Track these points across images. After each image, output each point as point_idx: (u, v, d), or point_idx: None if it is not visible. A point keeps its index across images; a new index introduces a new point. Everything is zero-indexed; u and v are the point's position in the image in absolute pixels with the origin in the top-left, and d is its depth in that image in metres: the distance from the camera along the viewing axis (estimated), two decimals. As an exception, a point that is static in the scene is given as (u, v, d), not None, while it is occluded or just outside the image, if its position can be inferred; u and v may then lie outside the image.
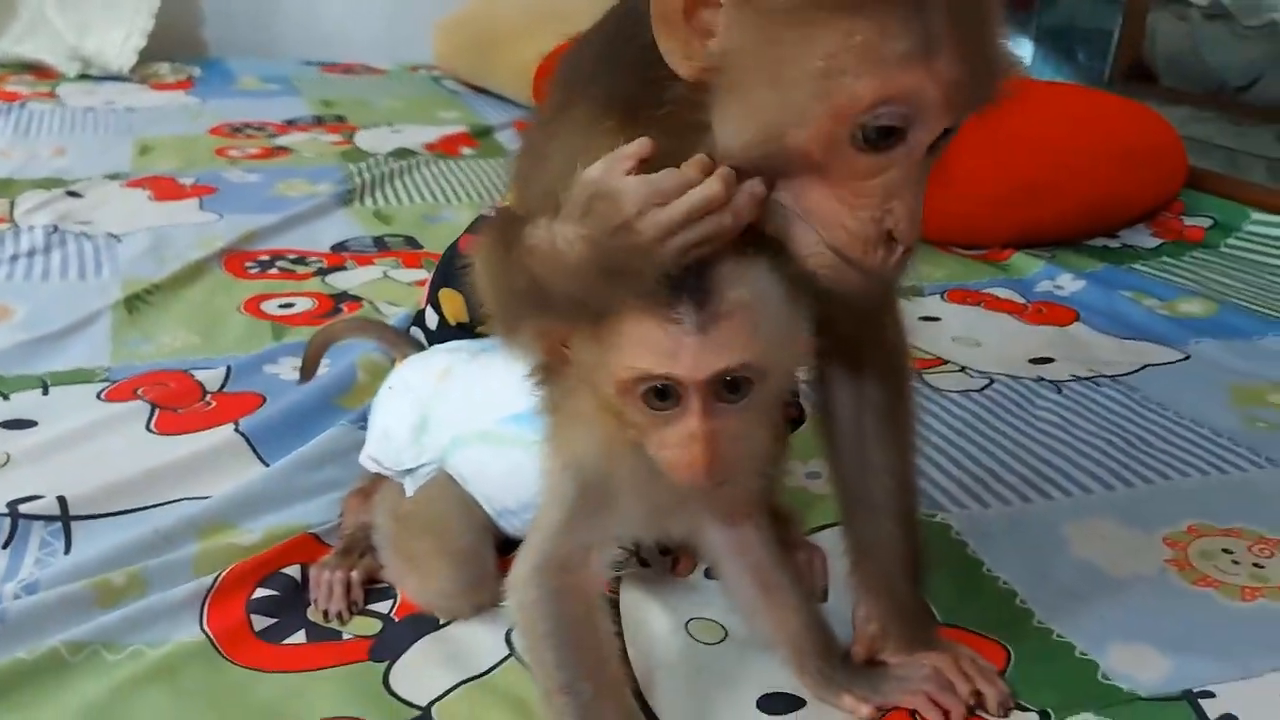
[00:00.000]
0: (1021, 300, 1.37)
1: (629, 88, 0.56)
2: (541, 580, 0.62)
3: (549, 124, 0.60)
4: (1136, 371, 1.16)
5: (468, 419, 0.76)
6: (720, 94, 0.52)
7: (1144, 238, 1.61)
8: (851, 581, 0.72)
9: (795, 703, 0.68)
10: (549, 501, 0.64)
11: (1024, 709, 0.67)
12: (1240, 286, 1.42)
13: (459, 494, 0.75)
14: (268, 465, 0.93)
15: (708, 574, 0.80)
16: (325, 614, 0.75)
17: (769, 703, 0.68)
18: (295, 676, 0.70)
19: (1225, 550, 0.84)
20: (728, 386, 0.55)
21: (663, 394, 0.55)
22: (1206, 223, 1.61)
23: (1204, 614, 0.77)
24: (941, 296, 1.38)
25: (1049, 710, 0.67)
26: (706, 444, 0.55)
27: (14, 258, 1.42)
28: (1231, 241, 1.57)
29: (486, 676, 0.70)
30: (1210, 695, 0.68)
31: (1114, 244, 1.59)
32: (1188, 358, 1.20)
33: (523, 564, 0.63)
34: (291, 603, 0.77)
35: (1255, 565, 0.82)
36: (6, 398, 1.04)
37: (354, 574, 0.77)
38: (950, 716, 0.66)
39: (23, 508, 0.84)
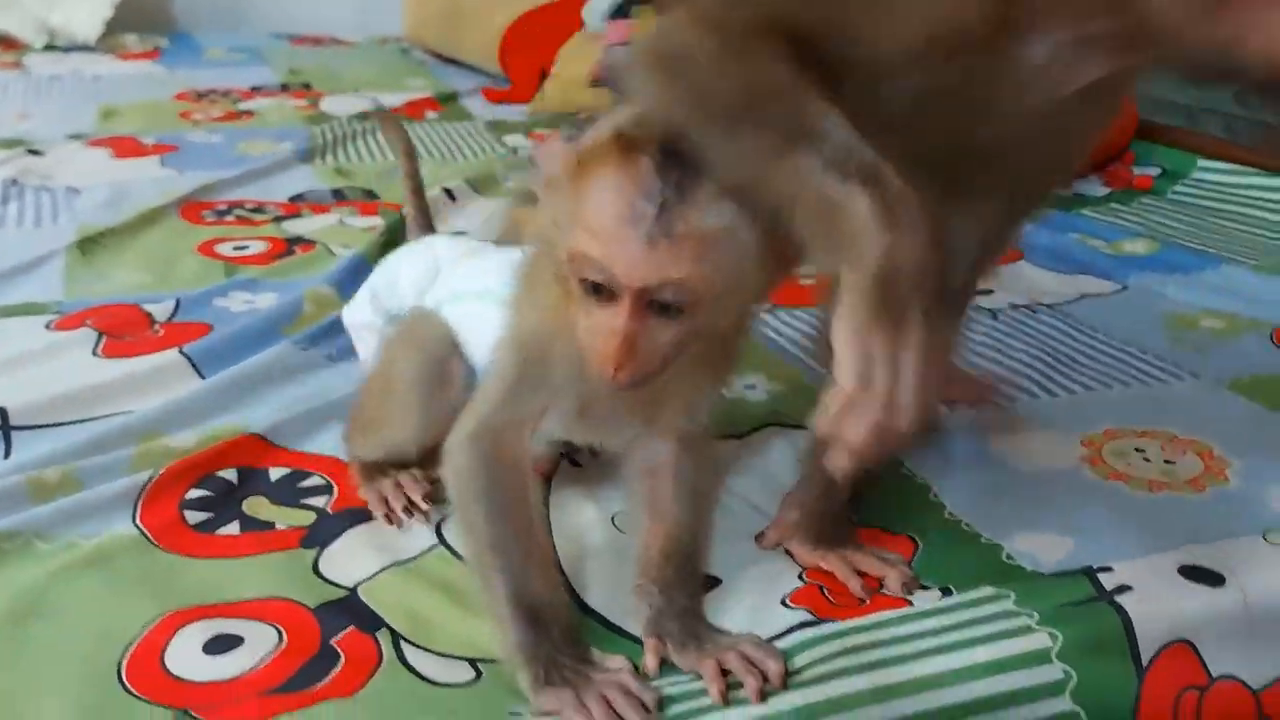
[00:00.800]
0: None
1: None
2: (475, 446, 0.64)
3: None
4: (1074, 301, 1.19)
5: (474, 280, 0.78)
6: None
7: (1095, 187, 1.63)
8: (800, 468, 0.76)
9: (712, 582, 0.70)
10: (495, 371, 0.66)
11: (925, 588, 0.70)
12: (1183, 228, 1.44)
13: (446, 328, 0.77)
14: (208, 382, 0.95)
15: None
16: (389, 517, 0.76)
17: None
18: (226, 562, 0.72)
19: (1138, 449, 0.86)
20: (659, 303, 0.56)
21: (599, 287, 0.57)
22: (1155, 171, 1.64)
23: (1111, 504, 0.79)
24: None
25: (950, 586, 0.70)
26: (624, 343, 0.56)
27: (-29, 208, 1.43)
28: (1178, 188, 1.59)
29: (414, 562, 0.72)
30: (1108, 570, 0.70)
31: (1065, 193, 1.61)
32: (1125, 288, 1.22)
33: (460, 429, 0.65)
34: (226, 501, 0.78)
35: (1166, 462, 0.84)
36: (-44, 327, 1.05)
37: (401, 476, 0.78)
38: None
39: (-36, 418, 0.86)
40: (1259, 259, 1.31)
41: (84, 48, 2.61)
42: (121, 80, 2.32)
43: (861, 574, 0.71)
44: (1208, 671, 0.65)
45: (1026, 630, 0.65)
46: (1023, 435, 0.89)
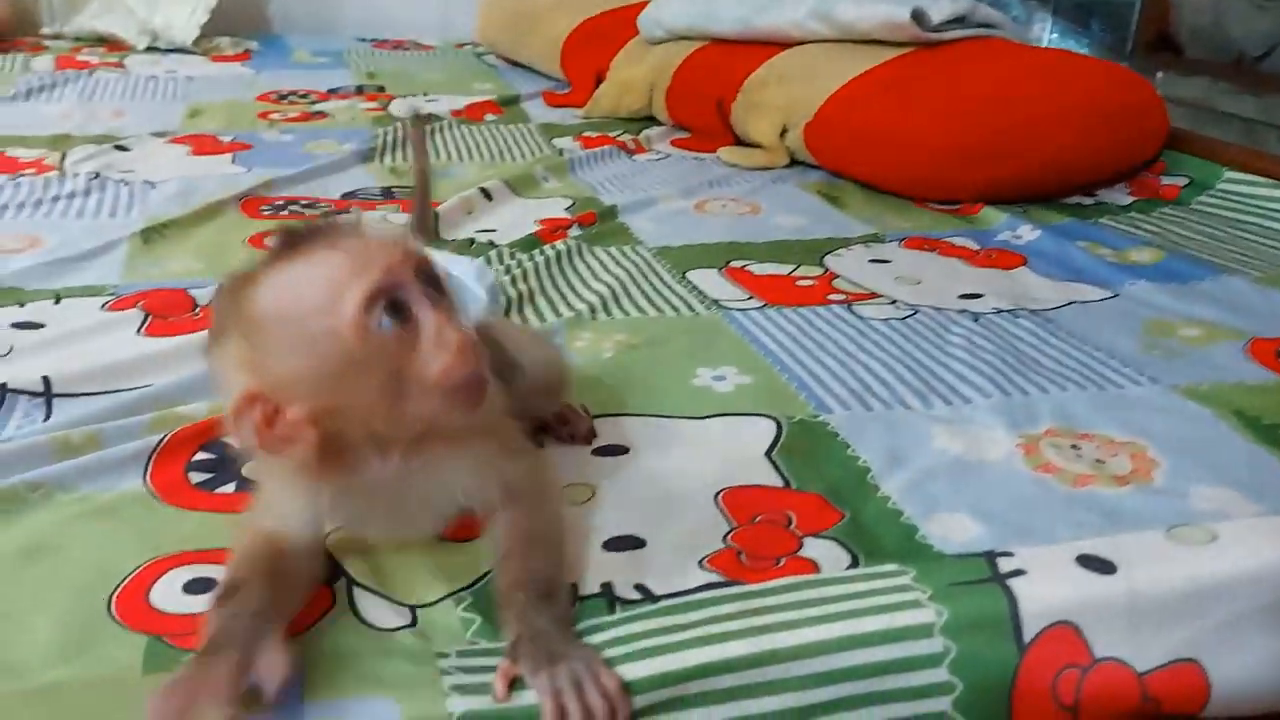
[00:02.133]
0: (976, 247, 1.43)
1: None
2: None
3: None
4: (1060, 307, 1.22)
5: None
6: None
7: (1121, 196, 1.65)
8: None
9: (638, 543, 0.78)
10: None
11: (846, 547, 0.77)
12: (1195, 238, 1.46)
13: None
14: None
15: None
16: None
17: (614, 543, 0.78)
18: (218, 515, 0.81)
19: (1074, 446, 0.90)
20: (430, 281, 0.62)
21: (397, 308, 0.61)
22: (1183, 181, 1.65)
23: (1032, 494, 0.83)
24: (899, 244, 1.44)
25: (859, 557, 0.75)
26: (455, 326, 0.62)
27: (55, 198, 1.57)
28: (1202, 199, 1.60)
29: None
30: (1009, 555, 0.75)
31: (1089, 201, 1.63)
32: (1116, 296, 1.25)
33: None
34: (228, 463, 0.88)
35: (1097, 460, 0.88)
36: (22, 305, 1.18)
37: None
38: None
39: (11, 384, 0.97)
40: (1263, 271, 1.32)
41: (181, 49, 2.79)
42: (211, 81, 2.48)
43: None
44: (1091, 653, 0.70)
45: (915, 605, 0.70)
46: (968, 431, 0.93)
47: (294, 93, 2.39)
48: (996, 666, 0.69)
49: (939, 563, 0.75)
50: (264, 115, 2.16)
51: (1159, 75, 2.35)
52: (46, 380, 0.98)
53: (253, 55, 2.80)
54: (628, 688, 0.64)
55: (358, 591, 0.73)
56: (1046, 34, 2.36)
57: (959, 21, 1.78)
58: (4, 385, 0.97)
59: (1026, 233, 1.46)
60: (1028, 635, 0.69)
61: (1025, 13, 2.48)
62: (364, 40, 3.07)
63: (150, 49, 2.79)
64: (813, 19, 1.87)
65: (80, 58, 2.63)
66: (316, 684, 0.63)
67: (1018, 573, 0.73)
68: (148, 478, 0.86)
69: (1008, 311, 1.20)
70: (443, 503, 0.73)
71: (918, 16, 1.73)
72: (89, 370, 1.01)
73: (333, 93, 2.39)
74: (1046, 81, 1.64)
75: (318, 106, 2.27)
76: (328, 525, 0.73)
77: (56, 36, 2.90)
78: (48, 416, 0.94)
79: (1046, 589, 0.71)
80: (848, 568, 0.75)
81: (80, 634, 0.68)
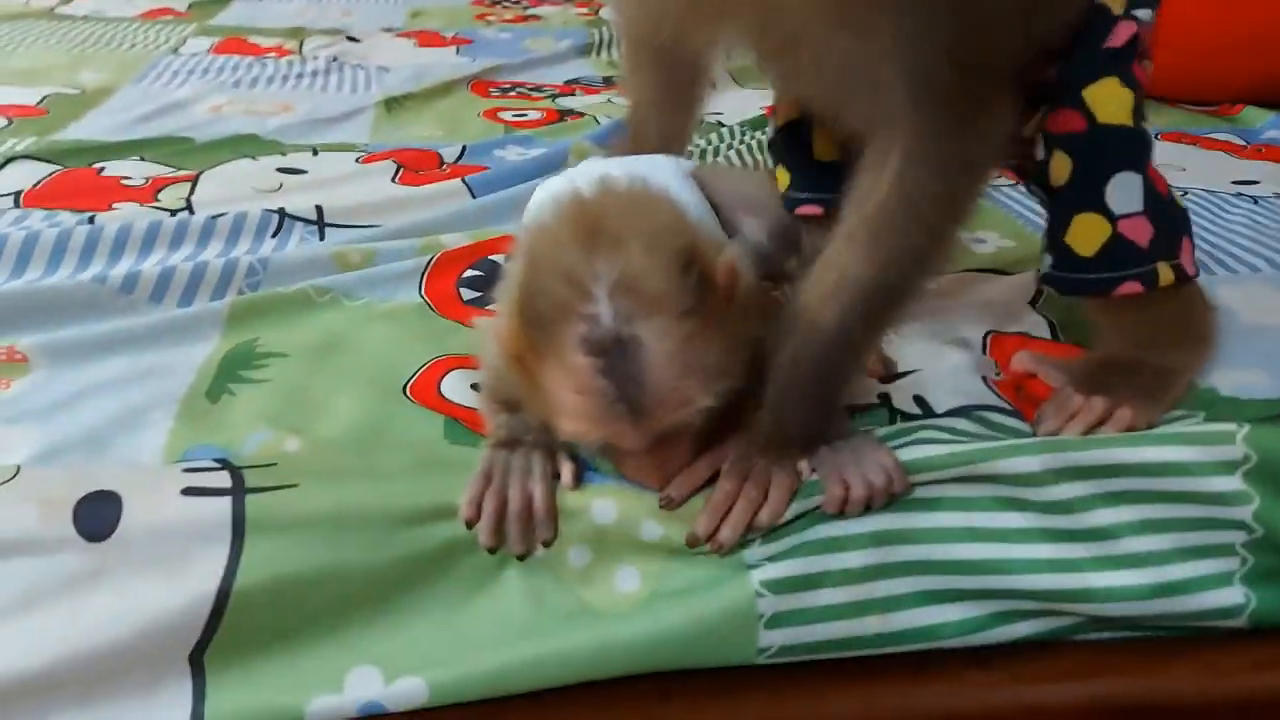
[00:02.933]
0: (1242, 143, 1.34)
1: None
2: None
3: None
4: (1345, 195, 1.13)
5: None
6: None
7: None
8: None
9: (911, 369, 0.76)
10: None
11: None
12: None
13: None
14: (479, 202, 1.08)
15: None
16: None
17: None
18: (491, 330, 0.84)
19: (1381, 308, 0.83)
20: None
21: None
22: None
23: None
24: (1155, 136, 1.36)
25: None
26: (658, 475, 0.61)
27: (299, 76, 1.63)
28: None
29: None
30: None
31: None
32: None
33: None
34: (494, 280, 0.90)
35: None
36: (284, 154, 1.23)
37: None
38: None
39: (289, 210, 1.02)
40: None
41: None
42: (429, -12, 2.54)
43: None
44: None
45: (1214, 422, 0.66)
46: (1255, 297, 0.88)
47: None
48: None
49: (1236, 405, 0.71)
50: (480, 17, 2.21)
51: None
52: (319, 209, 1.03)
53: (466, -33, 2.86)
54: (906, 467, 0.63)
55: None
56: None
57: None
58: (282, 209, 1.02)
59: (1298, 131, 1.36)
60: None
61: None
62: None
63: (369, -40, 2.88)
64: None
65: (307, -34, 2.73)
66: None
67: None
68: (423, 291, 0.89)
69: (1287, 196, 1.12)
70: None
71: (1176, -94, 1.61)
72: (354, 205, 1.05)
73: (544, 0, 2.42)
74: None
75: (531, 11, 2.29)
76: None
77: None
78: (321, 237, 0.99)
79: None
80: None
81: (381, 412, 0.71)
